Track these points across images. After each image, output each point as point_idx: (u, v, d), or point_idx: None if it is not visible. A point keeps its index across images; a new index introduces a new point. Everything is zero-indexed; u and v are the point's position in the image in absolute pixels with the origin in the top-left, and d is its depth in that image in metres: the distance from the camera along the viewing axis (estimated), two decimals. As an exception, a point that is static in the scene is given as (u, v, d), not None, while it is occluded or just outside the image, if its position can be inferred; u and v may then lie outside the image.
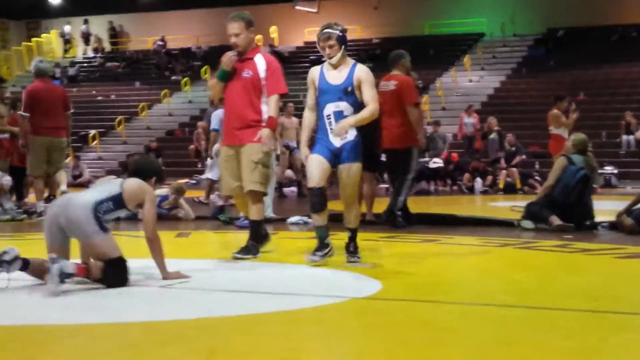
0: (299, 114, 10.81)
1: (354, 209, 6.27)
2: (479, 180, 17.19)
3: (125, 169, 19.30)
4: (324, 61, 6.23)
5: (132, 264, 5.22)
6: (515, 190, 16.31)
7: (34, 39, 37.21)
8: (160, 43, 36.05)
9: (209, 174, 12.06)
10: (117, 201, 5.25)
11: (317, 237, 6.18)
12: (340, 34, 6.12)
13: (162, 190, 10.26)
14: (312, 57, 27.73)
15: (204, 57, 33.58)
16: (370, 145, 8.18)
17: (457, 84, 28.54)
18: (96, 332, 3.99)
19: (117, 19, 38.37)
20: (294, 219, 9.73)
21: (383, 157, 9.66)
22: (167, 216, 10.09)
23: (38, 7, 37.09)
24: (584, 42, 29.54)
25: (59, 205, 5.23)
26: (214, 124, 11.09)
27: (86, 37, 38.37)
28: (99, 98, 31.89)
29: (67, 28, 38.29)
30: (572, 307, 4.50)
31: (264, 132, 6.45)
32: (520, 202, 10.46)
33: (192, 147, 24.01)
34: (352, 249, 6.22)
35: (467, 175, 17.38)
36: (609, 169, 18.58)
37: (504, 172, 16.93)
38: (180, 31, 36.48)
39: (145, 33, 37.44)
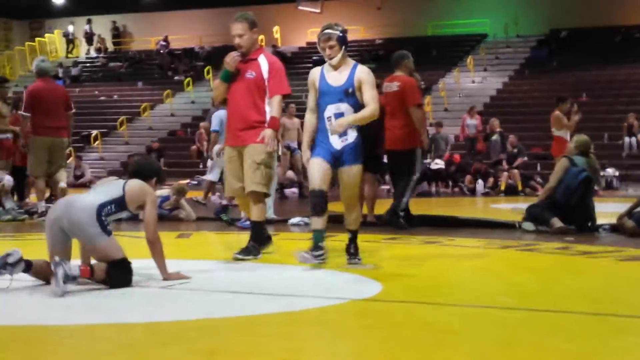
0: (300, 114, 10.80)
1: (354, 211, 6.25)
2: (480, 182, 17.16)
3: (127, 170, 19.29)
4: (325, 62, 6.22)
5: (133, 264, 5.22)
6: (517, 192, 16.27)
7: (37, 39, 37.28)
8: (163, 43, 36.08)
9: (209, 175, 12.08)
10: (120, 204, 5.24)
11: (312, 239, 6.14)
12: (341, 34, 6.09)
13: (163, 191, 10.26)
14: (314, 58, 27.72)
15: (207, 57, 33.59)
16: (372, 146, 8.17)
17: (459, 85, 28.51)
18: (97, 332, 3.99)
19: (120, 19, 38.44)
20: (295, 220, 9.71)
21: (385, 159, 9.67)
22: (169, 217, 10.09)
23: (41, 6, 37.14)
24: (587, 43, 29.49)
25: (61, 208, 5.21)
26: (214, 125, 11.11)
27: (89, 37, 38.44)
28: (102, 98, 31.92)
29: (70, 28, 38.35)
30: (573, 310, 4.50)
31: (267, 132, 6.44)
32: (521, 204, 10.45)
33: (194, 147, 23.98)
34: (352, 251, 6.20)
35: (468, 177, 17.34)
36: (610, 171, 18.55)
37: (505, 173, 16.89)
38: (183, 31, 36.51)
39: (148, 33, 37.49)
